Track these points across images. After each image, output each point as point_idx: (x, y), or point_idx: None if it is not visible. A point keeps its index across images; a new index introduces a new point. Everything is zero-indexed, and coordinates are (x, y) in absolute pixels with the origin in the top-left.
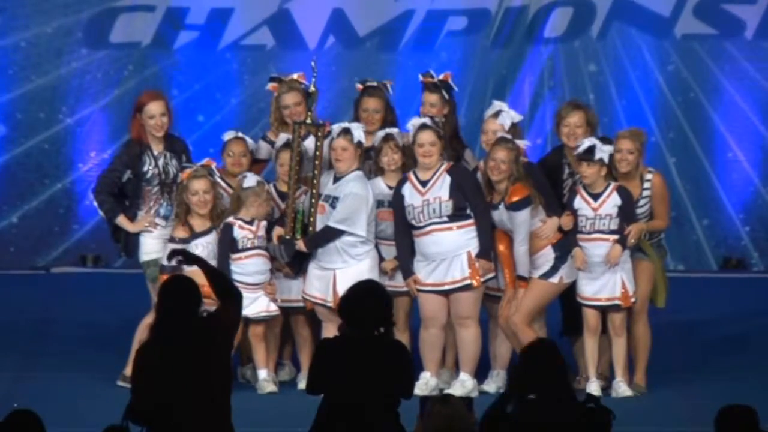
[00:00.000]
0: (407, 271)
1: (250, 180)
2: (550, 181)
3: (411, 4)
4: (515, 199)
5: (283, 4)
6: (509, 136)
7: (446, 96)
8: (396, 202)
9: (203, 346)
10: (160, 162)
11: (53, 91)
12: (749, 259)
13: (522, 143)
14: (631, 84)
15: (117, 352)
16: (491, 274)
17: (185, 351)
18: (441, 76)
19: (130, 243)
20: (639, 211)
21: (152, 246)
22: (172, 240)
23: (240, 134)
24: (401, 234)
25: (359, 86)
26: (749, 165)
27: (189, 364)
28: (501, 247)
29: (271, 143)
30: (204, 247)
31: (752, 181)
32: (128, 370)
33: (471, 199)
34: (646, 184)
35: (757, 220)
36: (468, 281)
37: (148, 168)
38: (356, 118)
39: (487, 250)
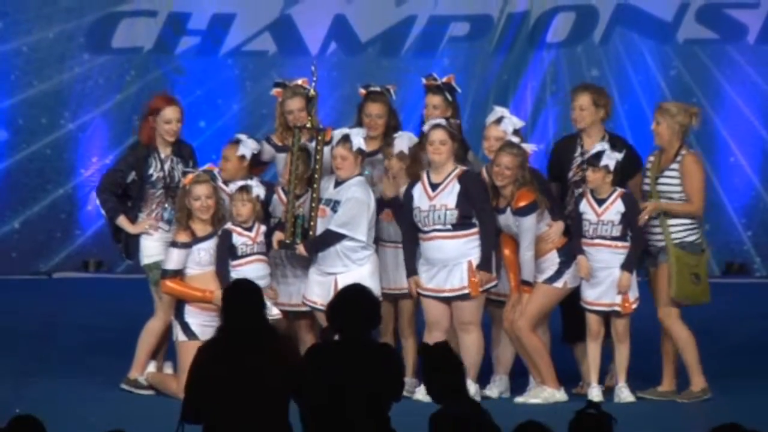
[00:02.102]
0: (410, 270)
1: (231, 187)
2: (559, 163)
3: (413, 9)
4: (522, 204)
5: (285, 10)
6: (516, 140)
7: (449, 98)
8: (406, 202)
9: (266, 351)
10: (167, 166)
11: (55, 96)
12: (752, 264)
13: (528, 147)
14: (634, 89)
15: (119, 356)
16: (491, 283)
17: (248, 352)
18: (444, 79)
19: (130, 245)
20: (665, 181)
21: (154, 249)
22: (174, 244)
23: (242, 137)
24: (408, 232)
25: (362, 91)
26: (751, 169)
27: (250, 367)
28: (506, 252)
29: (276, 147)
30: (206, 251)
31: (754, 186)
32: (133, 374)
33: (477, 209)
34: (678, 158)
35: (759, 225)
36: (466, 290)
37: (154, 171)
38: (359, 123)
39: (488, 262)
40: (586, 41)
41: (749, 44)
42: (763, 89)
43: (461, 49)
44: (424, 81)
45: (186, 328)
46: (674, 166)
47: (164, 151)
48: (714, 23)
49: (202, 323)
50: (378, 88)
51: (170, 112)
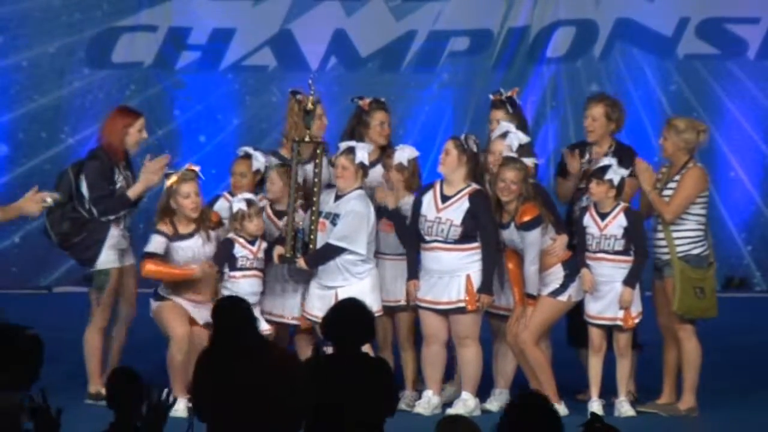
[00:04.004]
0: (411, 273)
1: (235, 205)
2: (566, 167)
3: (413, 24)
4: (526, 219)
5: (285, 24)
6: (515, 155)
7: (510, 110)
8: (414, 207)
9: (258, 368)
10: (128, 175)
11: (55, 110)
12: (752, 279)
13: (530, 161)
14: (634, 104)
15: None
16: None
17: (246, 367)
18: (508, 93)
19: (92, 251)
20: (668, 193)
21: (109, 255)
22: (157, 232)
23: (252, 151)
24: (411, 238)
25: (366, 101)
26: (751, 184)
27: (242, 386)
28: (510, 266)
29: (283, 160)
30: (185, 250)
31: (754, 201)
32: (92, 387)
33: (482, 231)
34: (683, 171)
35: (759, 240)
36: (462, 304)
37: (117, 181)
38: (354, 133)
39: (488, 285)
40: (586, 56)
41: (749, 59)
42: (763, 104)
43: (461, 63)
44: (491, 96)
45: (156, 295)
46: (677, 178)
47: (122, 162)
48: (714, 38)
49: (173, 292)
50: (379, 99)
51: (141, 123)
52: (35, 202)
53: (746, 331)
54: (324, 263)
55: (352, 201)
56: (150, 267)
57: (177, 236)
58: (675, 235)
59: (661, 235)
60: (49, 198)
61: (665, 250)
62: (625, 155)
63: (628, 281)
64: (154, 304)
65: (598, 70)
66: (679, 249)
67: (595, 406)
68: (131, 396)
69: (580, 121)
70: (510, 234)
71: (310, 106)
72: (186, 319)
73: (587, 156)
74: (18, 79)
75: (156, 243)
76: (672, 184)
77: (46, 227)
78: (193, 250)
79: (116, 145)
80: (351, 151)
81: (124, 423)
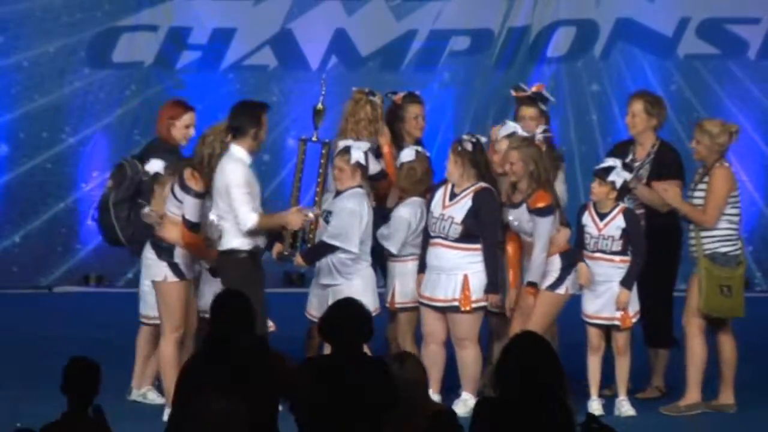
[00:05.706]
0: (422, 265)
1: None
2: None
3: (413, 24)
4: (540, 204)
5: (286, 24)
6: (521, 133)
7: (543, 108)
8: (429, 202)
9: (252, 371)
10: None
11: (56, 110)
12: (752, 279)
13: (541, 135)
14: None
15: (120, 370)
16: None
17: (236, 367)
18: (533, 88)
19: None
20: (698, 194)
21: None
22: (197, 195)
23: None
24: (425, 232)
25: (398, 96)
26: (752, 185)
27: (237, 380)
28: (509, 250)
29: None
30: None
31: (755, 202)
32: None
33: (483, 229)
34: (710, 173)
35: (760, 240)
36: (456, 303)
37: None
38: (398, 129)
39: (494, 285)
40: (587, 56)
41: (750, 60)
42: (764, 105)
43: (462, 63)
44: (513, 93)
45: (175, 269)
46: (707, 179)
47: (176, 156)
48: (715, 38)
49: (188, 263)
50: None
51: (189, 118)
52: (299, 216)
53: (747, 331)
54: (318, 259)
55: (345, 199)
56: (191, 240)
57: (203, 194)
58: (703, 233)
59: (692, 234)
60: (311, 213)
61: (695, 248)
62: (669, 154)
63: (625, 282)
64: (169, 275)
65: (599, 69)
66: (706, 247)
67: (595, 405)
68: (86, 386)
69: (581, 121)
70: (519, 214)
71: (319, 106)
72: (186, 309)
73: (630, 155)
74: (18, 78)
75: (195, 210)
76: (702, 186)
77: (112, 228)
78: (206, 206)
79: (165, 136)
80: (346, 151)
81: (77, 411)
